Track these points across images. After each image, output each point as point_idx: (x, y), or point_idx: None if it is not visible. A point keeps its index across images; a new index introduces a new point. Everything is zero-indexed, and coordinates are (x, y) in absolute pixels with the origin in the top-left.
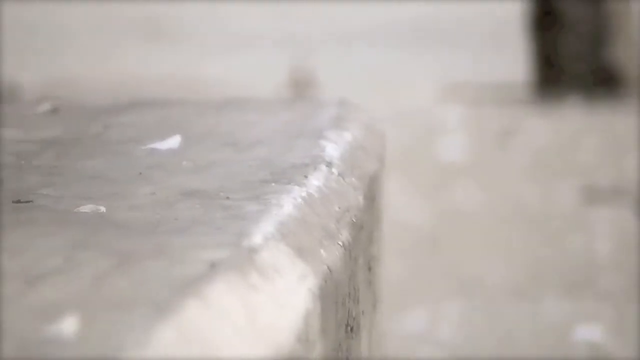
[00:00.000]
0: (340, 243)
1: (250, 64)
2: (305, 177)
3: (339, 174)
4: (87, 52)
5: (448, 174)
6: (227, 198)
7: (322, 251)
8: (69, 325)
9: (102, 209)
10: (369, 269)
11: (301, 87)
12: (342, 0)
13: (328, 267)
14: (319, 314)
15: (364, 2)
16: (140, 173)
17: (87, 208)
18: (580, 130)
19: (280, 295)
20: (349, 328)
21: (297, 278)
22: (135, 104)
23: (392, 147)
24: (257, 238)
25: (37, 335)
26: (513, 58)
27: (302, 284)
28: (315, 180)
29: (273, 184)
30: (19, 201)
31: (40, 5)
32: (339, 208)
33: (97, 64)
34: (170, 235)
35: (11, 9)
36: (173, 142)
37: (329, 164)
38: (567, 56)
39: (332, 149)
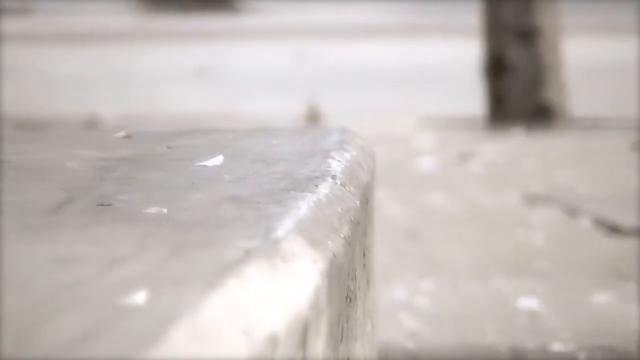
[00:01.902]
0: (342, 236)
1: (275, 101)
2: (316, 186)
3: (341, 184)
4: (152, 92)
5: (423, 183)
6: (258, 202)
7: (328, 242)
8: (139, 298)
9: (164, 210)
10: (364, 255)
11: (313, 119)
12: (341, 55)
13: (333, 254)
14: (326, 289)
15: (358, 56)
16: (193, 183)
17: (152, 210)
18: (522, 151)
19: (297, 275)
20: (348, 299)
21: (310, 262)
22: (189, 132)
23: (380, 163)
24: (280, 232)
25: (116, 305)
26: (472, 97)
27: (313, 266)
28: (324, 189)
29: (292, 192)
30: (102, 204)
31: (115, 54)
32: (341, 209)
33: (160, 101)
34: (215, 230)
35: (96, 58)
36: (217, 160)
37: (334, 177)
38: (512, 96)
39: (336, 165)
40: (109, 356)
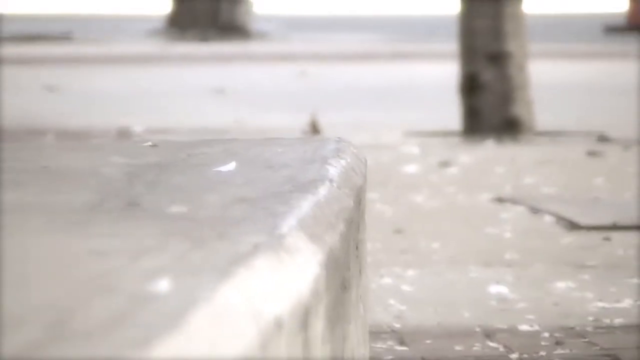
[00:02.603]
0: (338, 231)
1: (281, 115)
2: (316, 188)
3: (338, 186)
4: (175, 108)
5: (408, 185)
6: (265, 202)
7: (326, 237)
8: (163, 285)
9: (185, 209)
10: (357, 248)
11: (314, 131)
12: (338, 76)
13: (330, 247)
14: (324, 278)
15: (353, 77)
16: (209, 186)
17: (174, 208)
18: (493, 159)
19: (299, 266)
20: (343, 286)
21: (310, 255)
22: (207, 141)
23: (371, 169)
24: (284, 229)
25: (141, 291)
26: (450, 112)
27: (313, 258)
28: (322, 191)
29: (295, 193)
30: (131, 203)
31: (144, 75)
32: (337, 209)
33: (182, 115)
34: (228, 227)
35: (127, 78)
36: (231, 166)
37: (331, 180)
38: (484, 111)
39: (333, 170)
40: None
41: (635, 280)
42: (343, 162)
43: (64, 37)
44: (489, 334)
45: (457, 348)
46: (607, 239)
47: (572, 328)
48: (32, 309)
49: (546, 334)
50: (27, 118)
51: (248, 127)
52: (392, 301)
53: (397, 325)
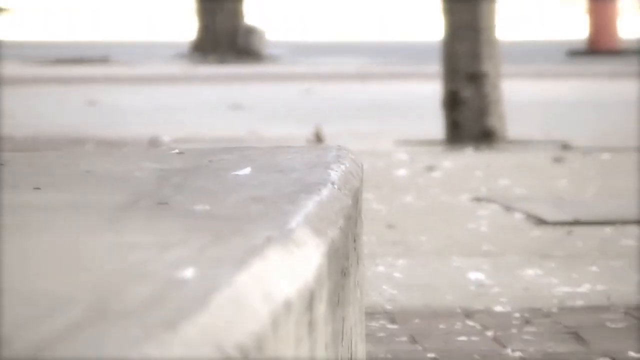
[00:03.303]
0: (339, 227)
1: (289, 127)
2: (319, 190)
3: (338, 188)
4: (198, 121)
5: (398, 187)
6: (276, 202)
7: (328, 231)
8: (188, 273)
9: (207, 207)
10: (354, 240)
11: (318, 140)
12: (338, 92)
13: (332, 240)
14: (326, 266)
15: (351, 93)
16: (228, 188)
17: (198, 207)
18: (472, 164)
19: (305, 256)
20: (343, 273)
21: (315, 246)
22: (226, 149)
23: (366, 172)
24: (293, 224)
25: (170, 278)
26: (435, 124)
27: (317, 249)
28: (325, 192)
29: (302, 194)
30: (160, 203)
31: (171, 92)
32: (338, 207)
33: (204, 127)
34: (245, 223)
35: (157, 95)
36: (247, 170)
37: (333, 183)
38: (464, 123)
39: (334, 174)
40: (169, 316)
41: (594, 268)
42: (343, 167)
43: (102, 60)
44: (468, 314)
45: (441, 326)
46: (569, 232)
47: (539, 309)
48: (78, 292)
49: (517, 314)
50: (71, 129)
51: (261, 137)
52: (385, 286)
53: (389, 307)
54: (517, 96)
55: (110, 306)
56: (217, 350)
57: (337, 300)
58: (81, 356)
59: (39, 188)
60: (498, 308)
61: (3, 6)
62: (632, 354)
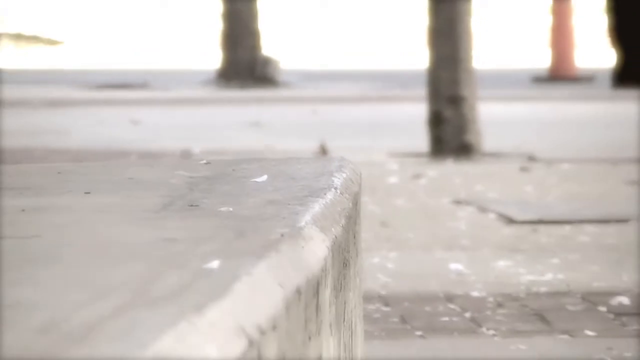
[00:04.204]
0: (341, 225)
1: (300, 142)
2: (325, 194)
3: (340, 192)
4: (222, 136)
5: (390, 192)
6: (288, 204)
7: (332, 229)
8: (215, 264)
9: (231, 208)
10: (354, 237)
11: (323, 152)
12: (341, 113)
13: (335, 236)
14: (330, 258)
15: (351, 113)
16: (248, 192)
17: (223, 209)
18: (452, 173)
19: (313, 249)
20: (345, 265)
21: (321, 241)
22: (246, 160)
23: (364, 180)
24: (302, 223)
25: (200, 268)
26: (421, 139)
27: (323, 244)
28: (330, 196)
29: (310, 197)
30: (191, 205)
31: (200, 112)
32: (340, 209)
33: (228, 141)
34: (262, 221)
35: (187, 115)
36: (264, 177)
37: (336, 188)
38: (446, 138)
39: (337, 181)
40: (199, 301)
41: (555, 260)
42: (344, 175)
43: (142, 85)
44: (449, 299)
45: (427, 309)
46: (534, 230)
47: (509, 294)
48: (121, 280)
49: (491, 299)
50: (117, 144)
51: (275, 150)
52: (379, 275)
53: (383, 292)
54: (491, 116)
55: (150, 291)
56: (238, 329)
57: (340, 287)
58: (120, 335)
59: (89, 192)
60: (475, 293)
61: (57, 39)
62: (587, 332)
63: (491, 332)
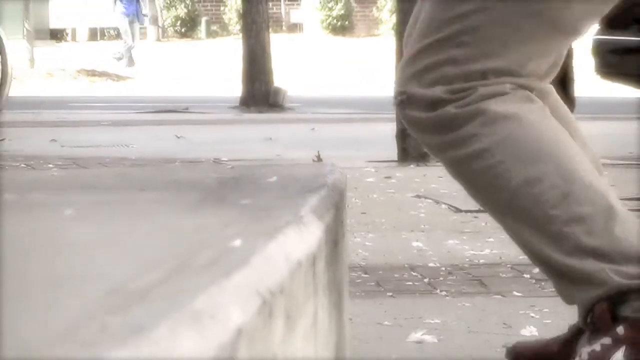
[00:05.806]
0: (332, 214)
1: (302, 152)
2: (320, 190)
3: (331, 189)
4: (243, 149)
5: (368, 189)
6: (292, 198)
7: (325, 217)
8: (237, 243)
9: (250, 201)
10: (342, 222)
11: (319, 160)
12: (333, 130)
13: (327, 222)
14: (324, 239)
15: (340, 131)
16: (262, 189)
17: (244, 201)
18: (415, 175)
19: (311, 232)
20: (334, 243)
21: (317, 226)
22: (261, 166)
23: (348, 180)
24: (302, 212)
25: (226, 246)
26: (391, 150)
27: (318, 228)
28: (323, 192)
29: (308, 193)
30: (219, 199)
31: (224, 131)
32: (331, 201)
33: (247, 153)
34: (273, 211)
35: (214, 133)
36: (275, 179)
37: (328, 186)
38: (410, 149)
39: (329, 180)
40: (226, 270)
41: (491, 239)
42: (334, 176)
43: (185, 110)
44: (412, 268)
45: (395, 275)
46: (475, 217)
47: (457, 265)
48: (160, 258)
49: (443, 268)
50: (165, 154)
51: (283, 159)
52: (360, 250)
53: (363, 263)
54: None
55: (189, 264)
56: (255, 291)
57: (331, 259)
58: (168, 296)
59: (144, 189)
60: (431, 264)
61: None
62: (515, 293)
63: (444, 293)
